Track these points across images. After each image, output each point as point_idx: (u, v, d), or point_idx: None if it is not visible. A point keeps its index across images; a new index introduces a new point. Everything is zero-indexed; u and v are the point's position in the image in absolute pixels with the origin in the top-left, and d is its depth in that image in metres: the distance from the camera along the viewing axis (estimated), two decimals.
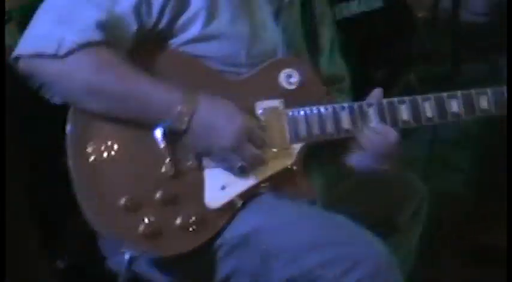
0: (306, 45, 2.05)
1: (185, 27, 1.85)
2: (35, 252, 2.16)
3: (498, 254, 2.97)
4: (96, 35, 1.71)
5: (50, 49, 1.68)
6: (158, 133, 1.82)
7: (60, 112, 1.82)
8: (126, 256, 1.85)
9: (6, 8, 2.16)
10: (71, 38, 1.68)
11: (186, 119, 1.76)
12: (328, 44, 2.11)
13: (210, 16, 1.85)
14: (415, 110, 1.90)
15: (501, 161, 3.12)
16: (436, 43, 4.11)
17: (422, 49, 3.86)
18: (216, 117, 1.79)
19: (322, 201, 1.99)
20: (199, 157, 1.82)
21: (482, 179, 3.06)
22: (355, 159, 1.93)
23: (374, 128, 1.88)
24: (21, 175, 2.08)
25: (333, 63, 2.12)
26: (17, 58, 1.72)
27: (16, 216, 2.15)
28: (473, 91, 1.94)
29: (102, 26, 1.70)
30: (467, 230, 3.14)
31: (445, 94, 1.91)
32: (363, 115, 1.88)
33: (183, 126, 1.75)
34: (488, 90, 1.94)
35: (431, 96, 1.92)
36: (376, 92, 1.90)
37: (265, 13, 1.95)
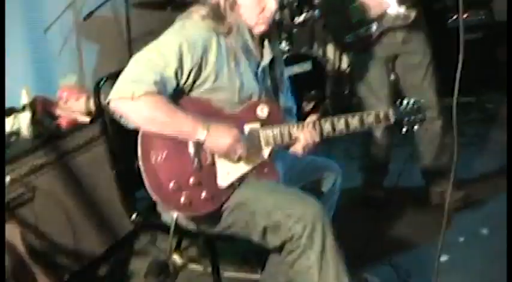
0: (273, 90, 2.13)
1: (202, 83, 1.94)
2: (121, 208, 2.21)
3: (380, 201, 3.20)
4: (152, 88, 1.82)
5: (127, 95, 1.81)
6: (189, 144, 1.90)
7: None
8: (174, 215, 1.91)
9: None
10: (139, 90, 1.81)
11: (204, 133, 1.84)
12: (285, 90, 2.22)
13: (216, 76, 1.93)
14: (333, 125, 2.00)
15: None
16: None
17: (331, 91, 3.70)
18: (221, 132, 1.87)
19: (283, 179, 2.05)
20: (213, 156, 1.93)
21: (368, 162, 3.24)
22: (295, 149, 1.99)
23: (311, 132, 1.97)
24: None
25: (287, 100, 2.23)
26: (109, 101, 1.85)
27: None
28: (364, 113, 2.02)
29: (156, 83, 1.83)
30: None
31: (349, 115, 2.01)
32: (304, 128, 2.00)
33: (202, 138, 1.85)
34: (373, 112, 2.02)
35: (342, 116, 2.01)
36: (313, 116, 2.02)
37: (249, 72, 2.02)
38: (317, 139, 1.99)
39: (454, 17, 4.23)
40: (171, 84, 1.88)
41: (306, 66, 3.78)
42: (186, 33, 1.90)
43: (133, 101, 1.80)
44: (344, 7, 2.86)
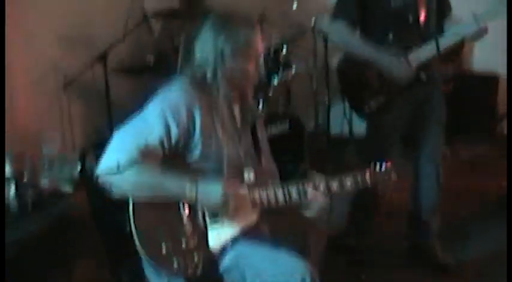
0: (256, 155, 2.20)
1: (191, 152, 2.02)
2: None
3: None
4: (136, 155, 1.89)
5: (113, 166, 1.88)
6: (181, 208, 1.98)
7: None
8: (168, 280, 1.97)
9: None
10: (124, 160, 1.88)
11: (193, 188, 1.92)
12: (267, 153, 2.30)
13: (203, 144, 2.01)
14: (314, 187, 2.05)
15: None
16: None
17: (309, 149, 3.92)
18: (211, 185, 1.95)
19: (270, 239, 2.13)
20: (204, 218, 2.00)
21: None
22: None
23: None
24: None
25: (270, 163, 2.30)
26: (97, 175, 1.93)
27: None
28: (343, 176, 2.08)
29: (139, 150, 1.90)
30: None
31: (343, 177, 2.08)
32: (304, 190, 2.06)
33: (193, 197, 1.92)
34: (352, 175, 2.08)
35: (323, 179, 2.08)
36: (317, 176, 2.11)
37: (233, 140, 2.11)
38: (321, 196, 2.03)
39: None
40: (157, 151, 1.93)
41: (283, 126, 3.90)
42: (169, 101, 1.97)
43: (120, 172, 1.87)
44: (364, 70, 2.76)
